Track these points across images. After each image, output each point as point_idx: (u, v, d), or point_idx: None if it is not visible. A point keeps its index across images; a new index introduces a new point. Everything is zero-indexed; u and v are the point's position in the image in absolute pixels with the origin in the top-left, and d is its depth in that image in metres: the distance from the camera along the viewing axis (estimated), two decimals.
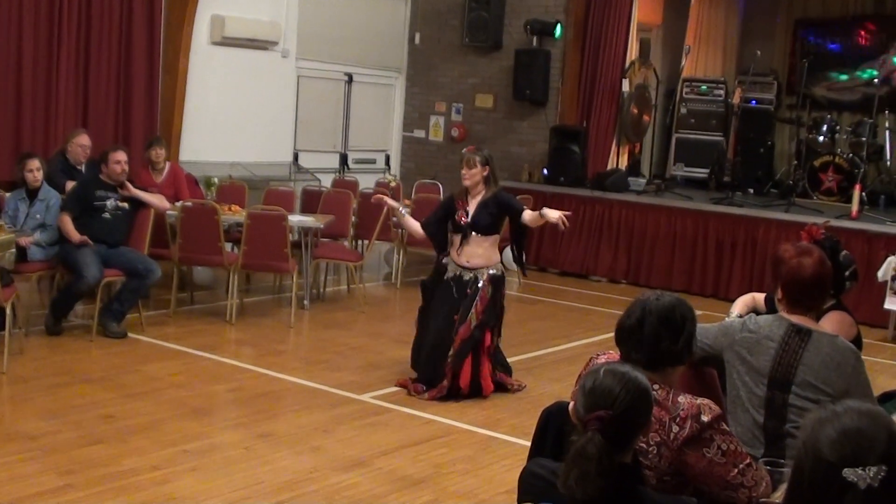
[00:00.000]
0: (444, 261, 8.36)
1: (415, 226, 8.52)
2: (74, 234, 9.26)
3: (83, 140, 10.59)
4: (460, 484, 6.39)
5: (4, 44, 11.46)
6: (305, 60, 15.18)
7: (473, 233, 8.22)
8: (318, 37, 15.27)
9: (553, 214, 8.08)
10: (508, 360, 8.76)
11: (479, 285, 8.17)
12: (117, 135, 12.65)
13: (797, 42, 17.44)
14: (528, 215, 8.25)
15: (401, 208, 8.70)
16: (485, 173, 8.28)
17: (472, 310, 8.11)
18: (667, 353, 3.84)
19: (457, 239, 8.28)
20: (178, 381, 8.21)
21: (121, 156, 9.67)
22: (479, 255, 8.24)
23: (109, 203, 9.57)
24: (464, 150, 8.89)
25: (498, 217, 8.39)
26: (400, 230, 12.68)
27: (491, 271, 8.25)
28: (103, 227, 9.48)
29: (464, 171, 8.30)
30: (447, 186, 14.55)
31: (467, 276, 8.22)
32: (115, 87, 12.68)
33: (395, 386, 8.37)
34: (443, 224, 8.44)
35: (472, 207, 8.26)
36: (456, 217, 8.28)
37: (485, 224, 8.27)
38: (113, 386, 7.95)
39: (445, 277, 8.27)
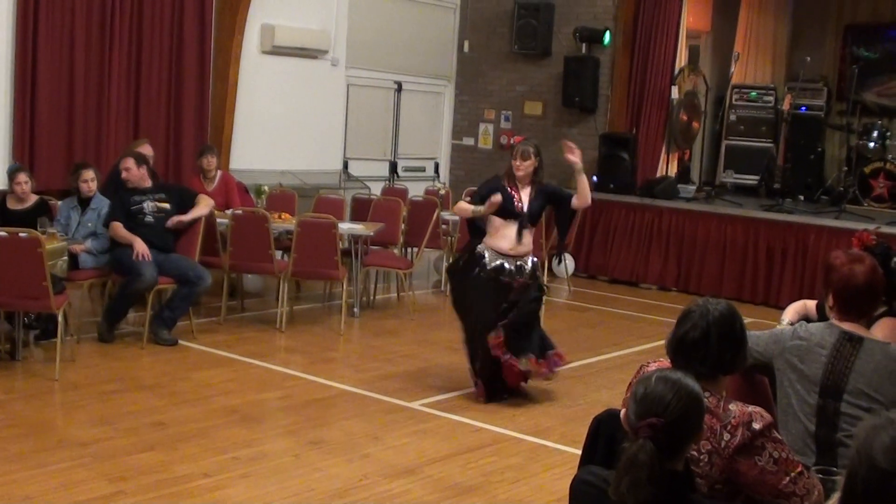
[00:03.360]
0: (475, 247, 8.24)
1: (465, 209, 8.37)
2: (129, 235, 9.35)
3: (145, 150, 10.67)
4: (510, 492, 6.38)
5: (57, 54, 11.57)
6: (355, 69, 15.22)
7: (528, 222, 8.26)
8: (368, 45, 15.31)
9: (575, 161, 8.30)
10: (559, 367, 8.69)
11: (525, 271, 8.21)
12: (168, 144, 12.75)
13: (847, 48, 17.30)
14: (575, 200, 8.39)
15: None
16: (536, 165, 8.30)
17: (527, 294, 8.23)
18: (728, 363, 3.83)
19: (504, 226, 8.18)
20: (228, 388, 8.25)
21: (128, 163, 9.77)
22: (526, 244, 8.24)
23: (147, 206, 9.65)
24: (513, 142, 8.88)
25: (544, 208, 8.47)
26: (449, 237, 12.70)
27: (534, 259, 8.36)
28: (148, 231, 9.54)
29: (518, 163, 8.25)
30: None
31: (512, 265, 8.16)
32: (167, 96, 12.77)
33: (481, 400, 8.25)
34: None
35: (525, 198, 8.26)
36: (513, 203, 8.18)
37: (537, 215, 8.39)
38: (164, 393, 8.00)
39: (487, 268, 8.10)
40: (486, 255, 8.15)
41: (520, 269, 8.18)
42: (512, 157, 8.37)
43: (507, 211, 8.16)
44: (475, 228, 8.38)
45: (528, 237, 8.25)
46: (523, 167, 8.25)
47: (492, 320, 8.07)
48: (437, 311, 12.37)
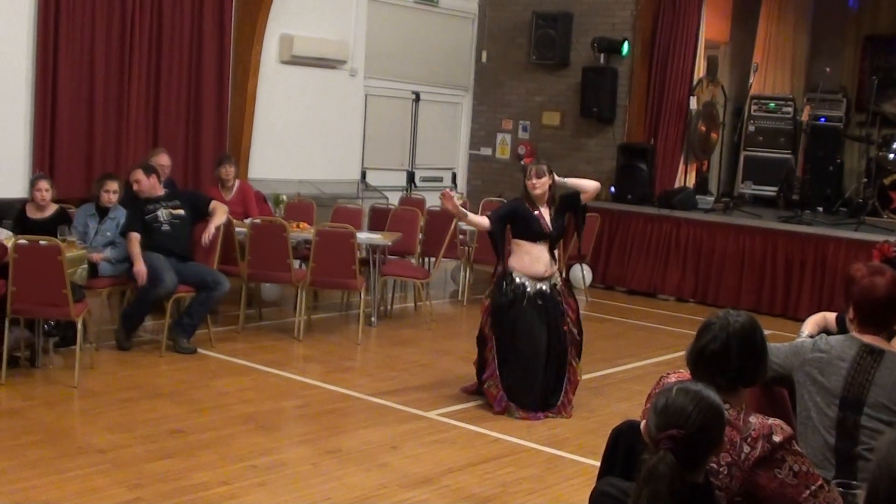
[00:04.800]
0: (515, 278, 8.22)
1: (482, 221, 8.44)
2: (139, 260, 9.33)
3: (162, 159, 10.72)
4: (528, 503, 6.37)
5: (77, 64, 11.62)
6: (373, 79, 15.25)
7: (556, 242, 8.36)
8: (386, 56, 15.34)
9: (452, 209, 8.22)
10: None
11: (558, 290, 8.30)
12: (187, 153, 12.80)
13: (866, 59, 17.26)
14: (584, 195, 8.47)
15: (462, 209, 8.44)
16: (551, 182, 8.29)
17: (566, 317, 8.31)
18: (748, 375, 3.82)
19: (534, 248, 8.23)
20: (246, 396, 8.26)
21: (137, 175, 9.82)
22: (553, 262, 8.31)
23: (161, 214, 9.69)
24: (523, 163, 8.88)
25: (565, 221, 8.52)
26: (467, 248, 12.69)
27: (559, 277, 8.42)
28: (166, 239, 9.60)
29: (535, 181, 8.24)
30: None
31: (546, 286, 8.24)
32: (186, 105, 12.81)
33: (521, 418, 8.15)
34: (504, 226, 8.39)
35: (546, 216, 8.28)
36: (540, 224, 8.22)
37: (562, 231, 8.50)
38: (182, 401, 8.02)
39: (528, 294, 8.18)
40: (527, 283, 8.20)
41: (553, 287, 8.29)
42: (527, 178, 8.34)
43: (534, 233, 8.21)
44: (499, 247, 8.38)
45: (551, 255, 8.31)
46: (540, 185, 8.25)
47: (543, 349, 8.17)
48: (455, 320, 12.39)
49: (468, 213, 8.46)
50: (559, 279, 8.40)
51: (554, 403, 8.25)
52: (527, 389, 8.17)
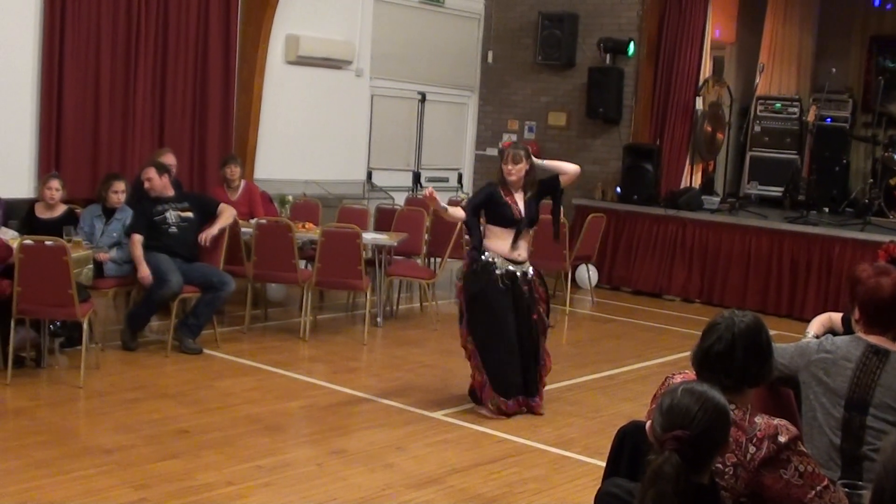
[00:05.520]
0: (486, 257, 8.05)
1: (458, 212, 8.25)
2: (141, 264, 9.36)
3: (168, 159, 10.72)
4: (533, 503, 6.37)
5: (83, 65, 11.63)
6: (379, 79, 15.25)
7: (526, 227, 8.15)
8: (392, 56, 15.34)
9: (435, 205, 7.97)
10: (582, 379, 8.71)
11: (529, 279, 8.14)
12: (193, 153, 12.80)
13: (873, 59, 17.25)
14: (563, 177, 8.28)
15: (443, 205, 8.18)
16: (527, 168, 8.11)
17: (537, 307, 8.18)
18: (754, 375, 3.82)
19: (505, 233, 8.05)
20: (251, 397, 8.27)
21: (150, 173, 9.83)
22: (525, 248, 8.18)
23: (170, 216, 9.70)
24: (502, 147, 8.67)
25: (539, 206, 8.32)
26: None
27: (532, 267, 8.24)
28: (173, 241, 9.61)
29: (510, 167, 8.06)
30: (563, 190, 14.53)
31: (518, 271, 8.09)
32: (191, 106, 12.82)
33: (492, 414, 8.07)
34: (479, 215, 8.20)
35: (520, 202, 8.11)
36: (512, 211, 8.06)
37: (535, 217, 8.25)
38: (188, 401, 8.02)
39: (496, 272, 8.02)
40: (496, 260, 8.05)
41: (524, 275, 8.13)
42: (503, 162, 8.18)
43: (506, 219, 8.07)
44: (476, 235, 8.16)
45: (524, 241, 8.16)
46: (515, 171, 8.08)
47: (517, 333, 8.07)
48: None
49: (447, 207, 8.27)
50: (531, 268, 8.22)
51: (534, 392, 8.19)
52: (508, 374, 8.07)
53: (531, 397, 8.19)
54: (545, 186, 8.25)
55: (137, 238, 9.45)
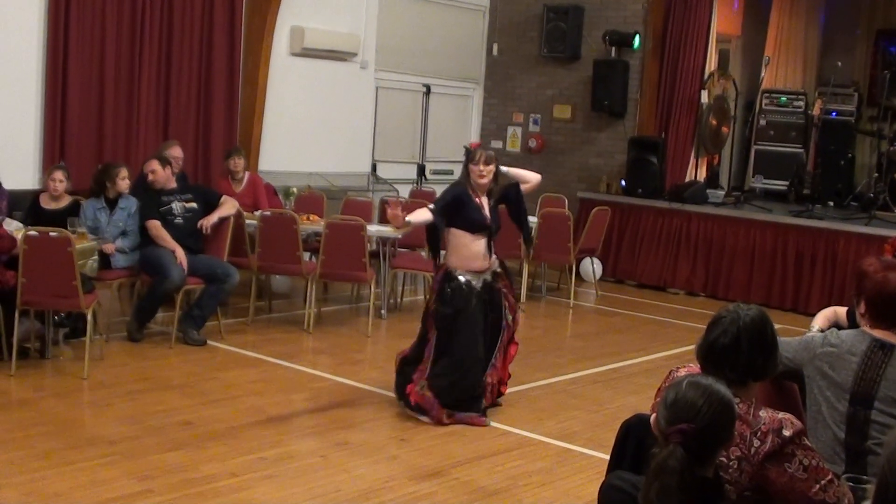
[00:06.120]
0: (457, 276, 7.61)
1: (422, 216, 7.54)
2: (171, 241, 9.43)
3: (175, 152, 10.72)
4: (537, 496, 6.37)
5: (87, 56, 11.63)
6: (384, 72, 15.25)
7: (495, 234, 7.76)
8: (397, 48, 15.34)
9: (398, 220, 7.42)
10: (586, 372, 8.69)
11: (498, 276, 7.77)
12: (197, 145, 12.80)
13: (878, 53, 17.22)
14: (524, 186, 7.93)
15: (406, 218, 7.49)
16: (495, 171, 7.66)
17: (506, 309, 7.79)
18: (759, 369, 3.81)
19: (473, 241, 7.62)
20: (255, 388, 8.27)
21: (153, 165, 9.82)
22: (489, 255, 7.74)
23: (175, 207, 9.70)
24: (469, 146, 8.13)
25: (498, 212, 7.90)
26: None
27: (497, 268, 7.84)
28: (178, 232, 9.59)
29: (482, 168, 7.58)
30: (525, 198, 14.50)
31: (488, 276, 7.72)
32: (196, 97, 12.82)
33: (421, 415, 7.69)
34: (446, 218, 7.60)
35: (485, 206, 7.67)
36: (482, 214, 7.63)
37: (499, 225, 7.82)
38: (192, 393, 8.03)
39: (475, 292, 7.61)
40: (471, 280, 7.63)
41: (493, 275, 7.77)
42: (473, 163, 7.64)
43: (475, 223, 7.64)
44: (435, 243, 7.78)
45: (489, 248, 7.74)
46: (487, 172, 7.61)
47: (479, 343, 7.65)
48: None
49: (410, 220, 7.49)
50: (497, 266, 7.83)
51: (479, 408, 7.70)
52: (457, 386, 7.62)
53: (476, 413, 7.70)
54: (506, 192, 7.84)
55: (155, 223, 9.49)
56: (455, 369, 7.61)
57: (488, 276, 7.74)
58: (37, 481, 6.01)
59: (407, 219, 7.44)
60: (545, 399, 8.51)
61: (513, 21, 16.44)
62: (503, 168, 7.90)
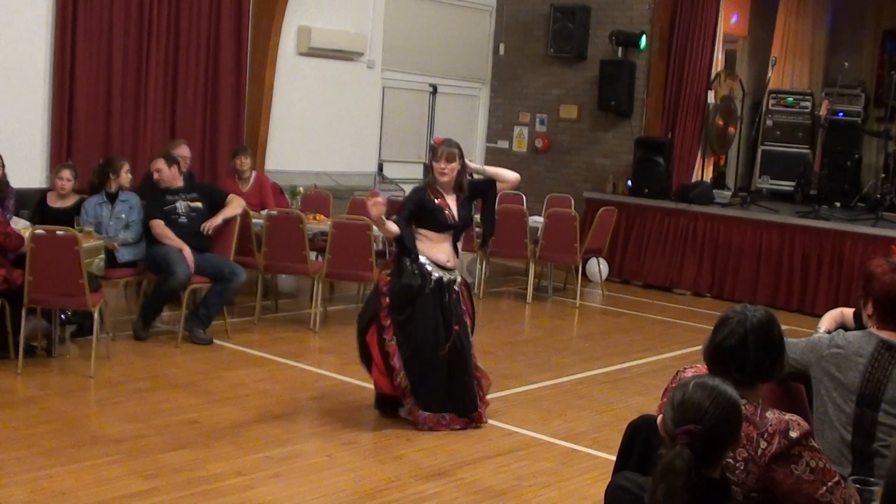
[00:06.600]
0: (422, 262, 7.40)
1: (392, 228, 7.34)
2: (175, 239, 9.45)
3: (183, 151, 10.73)
4: (542, 496, 6.36)
5: (95, 55, 11.64)
6: (390, 71, 15.25)
7: (461, 233, 7.63)
8: (403, 48, 15.34)
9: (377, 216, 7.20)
10: (592, 372, 8.68)
11: (457, 288, 7.57)
12: (204, 144, 12.81)
13: (886, 53, 17.19)
14: (501, 184, 7.73)
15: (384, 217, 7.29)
16: (460, 167, 7.49)
17: (464, 319, 7.59)
18: (766, 370, 3.81)
19: (438, 237, 7.46)
20: (262, 387, 8.27)
21: (159, 164, 9.82)
22: (456, 254, 7.62)
23: (180, 206, 9.70)
24: (433, 143, 8.00)
25: (472, 208, 7.83)
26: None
27: (460, 275, 7.70)
28: (183, 231, 9.59)
29: (443, 166, 7.42)
30: (530, 197, 14.54)
31: (447, 277, 7.48)
32: (203, 97, 12.83)
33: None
34: (412, 226, 7.45)
35: (452, 205, 7.52)
36: (445, 215, 7.45)
37: (469, 220, 7.72)
38: (198, 391, 8.03)
39: (431, 278, 7.39)
40: (430, 267, 7.43)
41: (453, 282, 7.56)
42: (434, 160, 7.53)
43: (439, 224, 7.48)
44: (409, 245, 7.43)
45: (454, 246, 7.58)
46: (448, 170, 7.44)
47: (439, 341, 7.43)
48: None
49: (386, 221, 7.30)
50: (459, 276, 7.66)
51: (472, 411, 7.57)
52: (430, 386, 7.46)
53: (465, 416, 7.58)
54: (479, 187, 7.71)
55: (158, 222, 9.51)
56: (423, 370, 7.44)
57: (446, 277, 7.51)
58: (43, 479, 6.02)
59: (385, 222, 7.26)
60: (551, 399, 8.51)
61: (519, 21, 16.44)
62: (479, 166, 7.87)
